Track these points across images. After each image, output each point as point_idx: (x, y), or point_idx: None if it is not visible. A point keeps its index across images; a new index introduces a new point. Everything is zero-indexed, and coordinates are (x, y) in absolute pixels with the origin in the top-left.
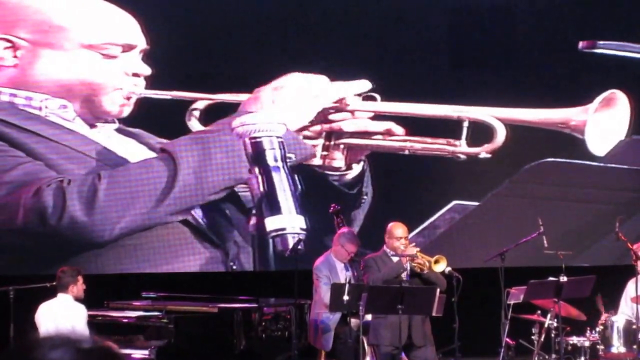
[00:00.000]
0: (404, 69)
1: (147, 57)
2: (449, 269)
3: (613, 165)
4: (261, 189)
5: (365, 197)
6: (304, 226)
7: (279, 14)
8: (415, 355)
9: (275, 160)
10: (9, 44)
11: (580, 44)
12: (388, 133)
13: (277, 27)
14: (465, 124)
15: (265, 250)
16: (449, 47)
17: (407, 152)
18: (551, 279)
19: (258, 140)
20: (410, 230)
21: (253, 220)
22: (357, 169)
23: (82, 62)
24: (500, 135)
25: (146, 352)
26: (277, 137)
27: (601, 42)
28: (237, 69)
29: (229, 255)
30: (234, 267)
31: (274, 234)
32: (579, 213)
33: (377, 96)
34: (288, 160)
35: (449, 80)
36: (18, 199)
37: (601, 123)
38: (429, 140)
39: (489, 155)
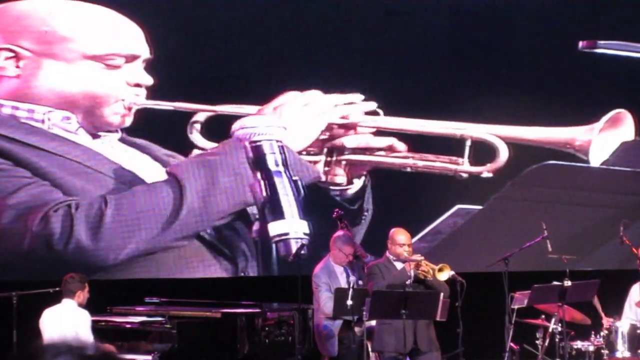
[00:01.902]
0: (404, 80)
1: (149, 67)
2: (452, 273)
3: (617, 168)
4: (264, 193)
5: (366, 213)
6: (307, 231)
7: (280, 25)
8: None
9: (277, 165)
10: (11, 54)
11: (581, 44)
12: (390, 149)
13: (278, 38)
14: (468, 143)
15: (269, 255)
16: (448, 50)
17: (409, 169)
18: (555, 283)
19: (258, 144)
20: (413, 235)
21: (256, 226)
22: (358, 184)
23: (84, 73)
24: (503, 154)
25: (149, 357)
26: (277, 141)
27: (602, 42)
28: (239, 79)
29: (238, 267)
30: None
31: (277, 239)
32: (583, 217)
33: (380, 111)
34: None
35: (450, 89)
36: (25, 224)
37: (606, 143)
38: (431, 157)
39: (490, 175)
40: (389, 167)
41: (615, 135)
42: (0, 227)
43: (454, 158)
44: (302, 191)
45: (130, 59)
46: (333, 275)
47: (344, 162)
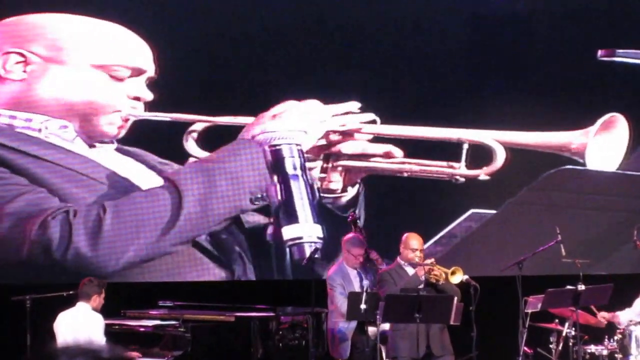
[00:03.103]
0: (403, 86)
1: (151, 82)
2: (466, 277)
3: (632, 173)
4: (279, 197)
5: (358, 220)
6: (321, 235)
7: (278, 35)
8: None
9: (294, 169)
10: (21, 59)
11: (599, 52)
12: (387, 155)
13: (275, 48)
14: (465, 147)
15: (283, 259)
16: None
17: (405, 174)
18: (569, 287)
19: (278, 147)
20: (427, 239)
21: (270, 229)
22: (352, 192)
23: (89, 81)
24: (500, 157)
25: None
26: (297, 144)
27: (620, 51)
28: (236, 90)
29: (234, 273)
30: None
31: (290, 242)
32: (597, 221)
33: (377, 119)
34: None
35: (464, 94)
36: (23, 232)
37: (602, 146)
38: (427, 162)
39: (487, 178)
40: (386, 172)
41: (609, 139)
42: None
43: (450, 163)
44: (317, 195)
45: (136, 73)
46: (347, 278)
47: (340, 168)
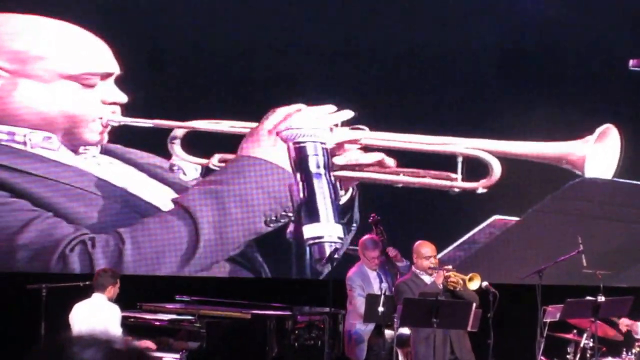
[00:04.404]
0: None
1: (122, 84)
2: (485, 283)
3: None
4: (301, 195)
5: (355, 224)
6: (342, 235)
7: (261, 39)
8: None
9: (318, 167)
10: None
11: (631, 62)
12: (379, 164)
13: (261, 54)
14: (460, 159)
15: (302, 257)
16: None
17: (400, 185)
18: (589, 298)
19: (302, 145)
20: (448, 245)
21: (291, 227)
22: (345, 197)
23: (61, 93)
24: (496, 170)
25: (177, 355)
26: (322, 143)
27: None
28: (216, 94)
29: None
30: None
31: (311, 241)
32: (620, 232)
33: (365, 128)
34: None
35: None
36: (43, 265)
37: (599, 157)
38: (422, 173)
39: (485, 190)
40: (380, 182)
41: (604, 149)
42: (18, 269)
43: (447, 174)
44: (339, 195)
45: (105, 77)
46: (366, 280)
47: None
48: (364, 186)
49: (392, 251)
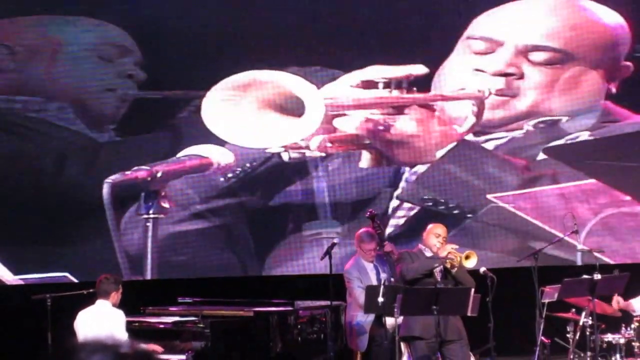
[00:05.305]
0: None
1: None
2: (483, 269)
3: None
4: (300, 194)
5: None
6: (339, 230)
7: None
8: (448, 348)
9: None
10: (7, 51)
11: None
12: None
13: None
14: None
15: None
16: None
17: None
18: (585, 276)
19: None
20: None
21: (291, 225)
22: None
23: (78, 65)
24: None
25: (183, 357)
26: None
27: None
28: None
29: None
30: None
31: (309, 237)
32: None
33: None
34: None
35: None
36: None
37: None
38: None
39: None
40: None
41: None
42: None
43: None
44: (336, 191)
45: (124, 53)
46: (363, 272)
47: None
48: None
49: (388, 246)
